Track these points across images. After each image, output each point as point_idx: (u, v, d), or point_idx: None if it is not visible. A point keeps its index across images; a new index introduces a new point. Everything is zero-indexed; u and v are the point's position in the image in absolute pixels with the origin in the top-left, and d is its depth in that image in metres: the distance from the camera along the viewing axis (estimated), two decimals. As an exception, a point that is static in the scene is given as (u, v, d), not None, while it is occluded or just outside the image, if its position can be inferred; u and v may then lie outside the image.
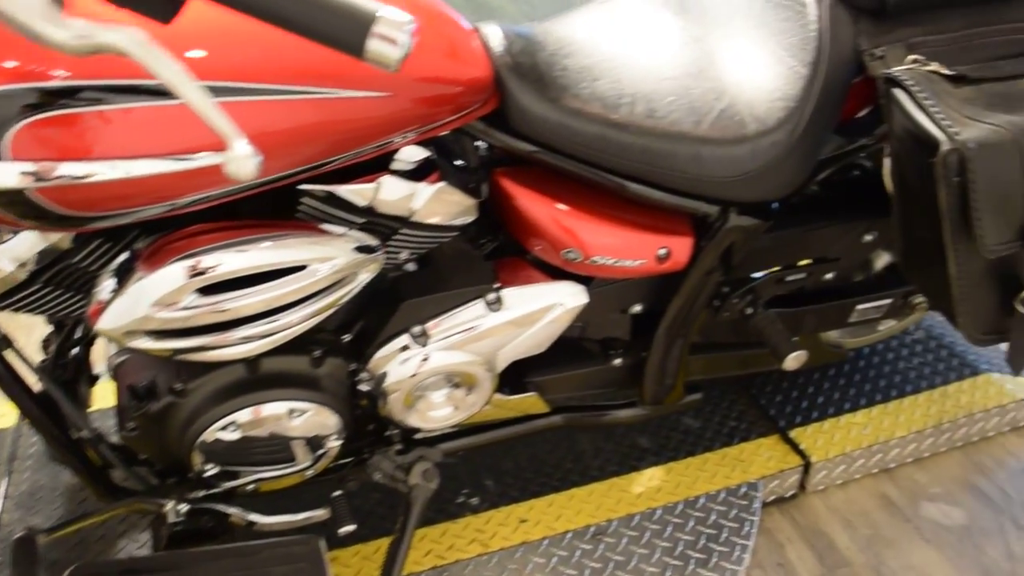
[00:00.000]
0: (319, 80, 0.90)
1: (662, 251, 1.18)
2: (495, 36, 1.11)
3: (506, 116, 1.09)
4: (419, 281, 1.19)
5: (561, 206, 1.15)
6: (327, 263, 1.00)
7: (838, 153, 1.21)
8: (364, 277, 1.07)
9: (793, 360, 1.28)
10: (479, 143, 1.17)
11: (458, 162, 1.14)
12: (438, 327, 1.18)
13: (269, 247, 0.98)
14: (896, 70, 1.08)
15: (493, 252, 1.27)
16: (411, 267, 1.19)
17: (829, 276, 1.38)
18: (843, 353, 1.65)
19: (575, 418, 1.40)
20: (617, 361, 1.35)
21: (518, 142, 1.11)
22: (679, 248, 1.19)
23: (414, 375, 1.18)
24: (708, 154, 1.10)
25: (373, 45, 0.64)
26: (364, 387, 1.21)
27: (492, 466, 1.54)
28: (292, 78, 0.89)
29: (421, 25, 1.00)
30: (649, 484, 1.52)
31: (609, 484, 1.52)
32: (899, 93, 1.06)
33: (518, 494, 1.50)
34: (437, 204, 1.07)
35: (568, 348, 1.34)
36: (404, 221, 1.07)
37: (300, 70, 0.89)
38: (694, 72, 1.14)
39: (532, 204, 1.15)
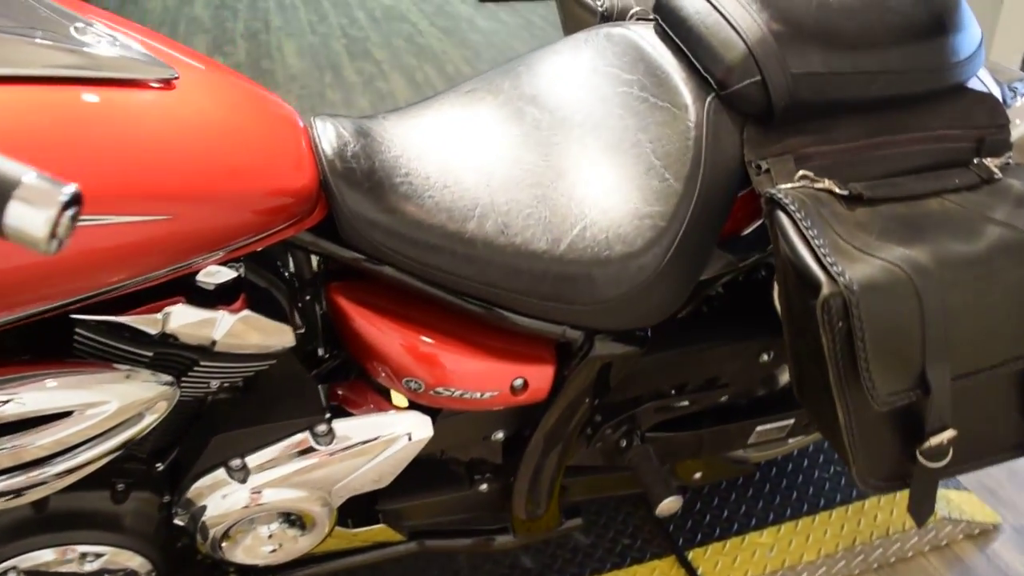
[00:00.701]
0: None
1: (517, 381, 1.03)
2: (328, 135, 0.96)
3: (337, 227, 0.95)
4: (239, 409, 1.03)
5: (401, 329, 1.00)
6: (98, 408, 0.85)
7: (725, 272, 1.07)
8: (157, 414, 0.91)
9: (668, 506, 1.14)
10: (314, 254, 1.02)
11: (274, 280, 0.99)
12: (259, 460, 1.03)
13: (25, 392, 0.82)
14: (782, 188, 0.95)
15: (338, 372, 1.11)
16: (234, 392, 1.04)
17: (723, 399, 1.24)
18: (749, 468, 1.51)
19: (437, 545, 1.25)
20: (483, 487, 1.20)
21: (352, 255, 0.97)
22: (538, 378, 1.04)
23: (234, 511, 1.03)
24: (564, 278, 0.95)
25: (13, 219, 0.49)
26: (179, 522, 1.05)
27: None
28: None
29: (226, 126, 0.86)
30: (527, 613, 1.37)
31: (483, 612, 1.37)
32: (782, 218, 0.92)
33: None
34: (242, 333, 0.92)
35: (428, 471, 1.19)
36: (205, 351, 0.92)
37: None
38: (556, 182, 0.99)
39: (369, 325, 1.00)
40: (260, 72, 3.78)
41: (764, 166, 0.97)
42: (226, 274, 0.91)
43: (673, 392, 1.19)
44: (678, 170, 0.97)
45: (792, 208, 0.91)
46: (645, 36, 1.07)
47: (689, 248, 0.97)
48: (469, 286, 0.96)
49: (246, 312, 0.91)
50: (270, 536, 1.08)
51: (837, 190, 0.95)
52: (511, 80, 1.10)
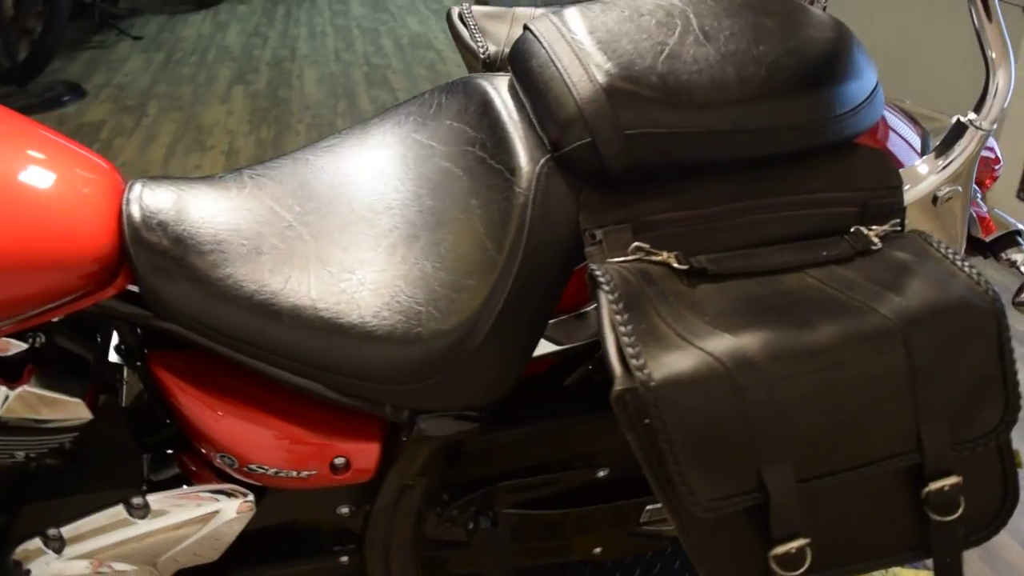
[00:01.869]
0: None
1: (339, 460, 0.97)
2: (139, 200, 0.91)
3: (143, 295, 0.90)
4: (60, 478, 0.99)
5: (214, 402, 0.95)
6: None
7: (565, 348, 0.98)
8: None
9: None
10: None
11: (82, 350, 0.95)
12: (74, 532, 0.99)
13: None
14: (608, 263, 0.84)
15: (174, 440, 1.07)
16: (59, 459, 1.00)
17: (602, 476, 1.14)
18: (662, 543, 1.40)
19: None
20: (344, 559, 1.14)
21: (164, 324, 0.92)
22: (361, 457, 0.97)
23: None
24: (373, 356, 0.89)
25: None
26: None
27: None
28: None
29: (11, 193, 0.82)
30: None
31: None
32: (600, 297, 0.81)
33: None
34: (22, 408, 0.88)
35: (289, 540, 1.13)
36: None
37: None
38: (380, 252, 0.93)
39: (183, 396, 0.95)
40: (277, 100, 3.82)
41: (598, 236, 0.86)
42: (12, 347, 0.87)
43: (534, 471, 1.10)
44: (500, 240, 0.87)
45: (606, 287, 0.80)
46: (499, 89, 0.99)
47: (512, 326, 0.88)
48: (278, 360, 0.91)
49: (23, 388, 0.87)
50: None
51: (675, 264, 0.84)
52: (358, 138, 1.04)
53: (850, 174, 0.90)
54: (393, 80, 4.07)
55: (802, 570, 0.84)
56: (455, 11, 1.19)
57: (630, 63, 0.86)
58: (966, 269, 0.84)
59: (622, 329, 0.78)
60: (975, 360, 0.82)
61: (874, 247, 0.87)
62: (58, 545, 0.98)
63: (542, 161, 0.88)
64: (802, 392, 0.77)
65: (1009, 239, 1.13)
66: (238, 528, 1.01)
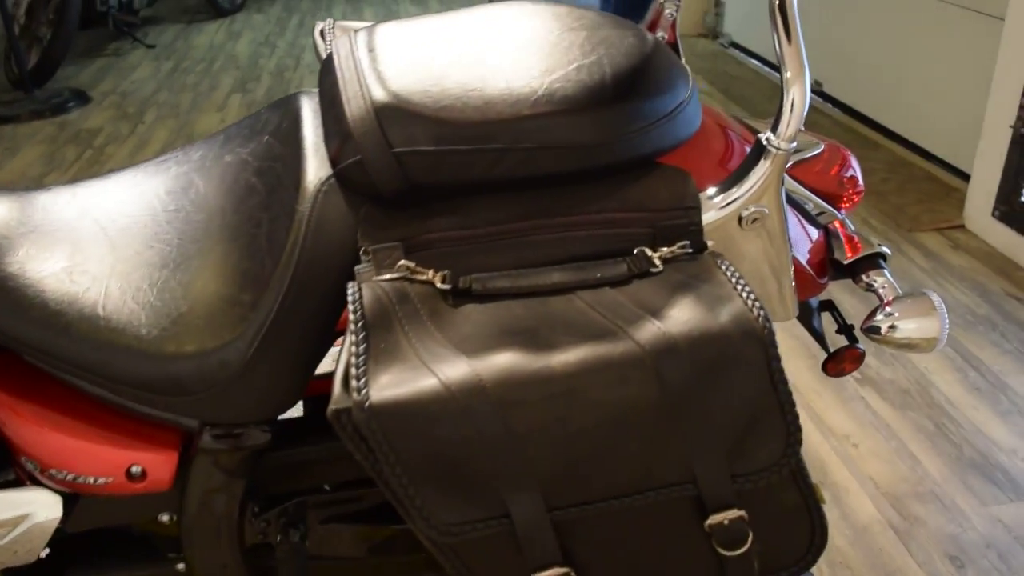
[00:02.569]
0: None
1: (135, 469, 0.97)
2: None
3: None
4: None
5: (17, 404, 0.96)
6: None
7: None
8: None
9: None
10: None
11: None
12: None
13: None
14: (374, 281, 0.82)
15: None
16: None
17: None
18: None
19: None
20: (180, 566, 1.14)
21: None
22: (157, 466, 0.98)
23: None
24: (152, 369, 0.89)
25: None
26: None
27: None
28: None
29: None
30: None
31: None
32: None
33: None
34: None
35: (129, 546, 1.15)
36: None
37: None
38: (179, 267, 0.93)
39: (-11, 399, 0.97)
40: (271, 109, 3.87)
41: (377, 249, 0.85)
42: None
43: (348, 485, 1.09)
44: (277, 255, 0.88)
45: (350, 305, 0.80)
46: (311, 103, 0.99)
47: (283, 341, 0.88)
48: (70, 369, 0.92)
49: None
50: None
51: (439, 284, 0.83)
52: (186, 153, 1.05)
53: (642, 194, 0.88)
54: (388, 90, 4.10)
55: None
56: (318, 26, 1.19)
57: (409, 80, 0.85)
58: (743, 294, 0.81)
59: (353, 349, 0.77)
60: (744, 390, 0.80)
61: (654, 269, 0.85)
62: None
63: (324, 178, 0.88)
64: (537, 419, 0.76)
65: (871, 261, 1.10)
66: (49, 530, 1.02)
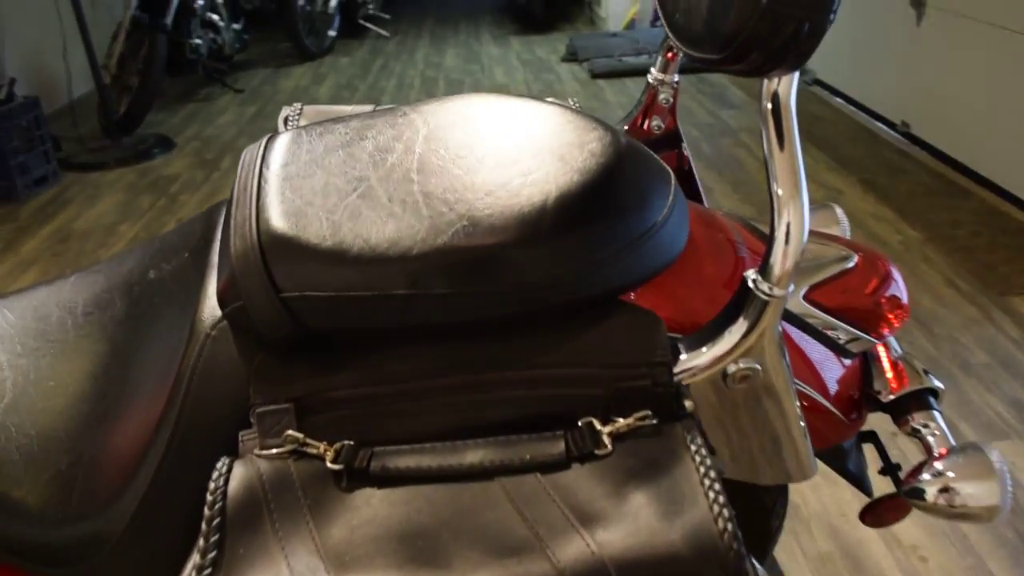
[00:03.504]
0: None
1: None
2: None
3: None
4: None
5: None
6: None
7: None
8: None
9: None
10: None
11: None
12: None
13: None
14: (255, 455, 0.69)
15: None
16: None
17: None
18: None
19: None
20: None
21: None
22: None
23: None
24: (23, 534, 0.80)
25: None
26: None
27: None
28: None
29: None
30: None
31: None
32: None
33: None
34: None
35: None
36: None
37: None
38: (64, 406, 0.83)
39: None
40: (342, 155, 3.90)
41: (262, 412, 0.70)
42: None
43: None
44: (154, 409, 0.76)
45: (211, 496, 0.66)
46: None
47: (159, 518, 0.76)
48: None
49: None
50: None
51: (330, 463, 0.67)
52: (119, 261, 0.97)
53: (595, 345, 0.70)
54: (459, 134, 4.08)
55: None
56: (284, 112, 1.13)
57: (304, 209, 0.71)
58: (710, 494, 0.63)
59: (197, 559, 0.64)
60: None
61: (600, 451, 0.67)
62: None
63: (217, 320, 0.76)
64: None
65: (919, 399, 0.92)
66: None
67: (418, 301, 0.68)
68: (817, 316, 0.86)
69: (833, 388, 0.86)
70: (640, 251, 0.71)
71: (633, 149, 0.76)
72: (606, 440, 0.66)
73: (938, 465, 0.84)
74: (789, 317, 0.84)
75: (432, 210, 0.70)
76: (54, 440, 0.80)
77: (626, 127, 0.98)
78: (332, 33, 5.89)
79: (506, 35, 6.17)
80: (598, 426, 0.67)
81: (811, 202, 0.76)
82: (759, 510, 1.18)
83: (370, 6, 6.36)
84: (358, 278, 0.68)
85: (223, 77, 5.15)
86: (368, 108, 1.13)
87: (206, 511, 0.66)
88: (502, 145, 0.76)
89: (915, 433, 0.90)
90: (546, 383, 0.70)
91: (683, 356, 0.74)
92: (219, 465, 0.68)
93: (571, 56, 5.25)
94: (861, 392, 0.92)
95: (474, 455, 0.68)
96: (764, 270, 0.71)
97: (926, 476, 0.85)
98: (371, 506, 0.67)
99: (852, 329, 0.88)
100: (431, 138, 0.78)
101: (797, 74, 0.64)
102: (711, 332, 0.75)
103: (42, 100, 3.84)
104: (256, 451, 0.69)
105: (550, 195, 0.69)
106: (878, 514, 0.95)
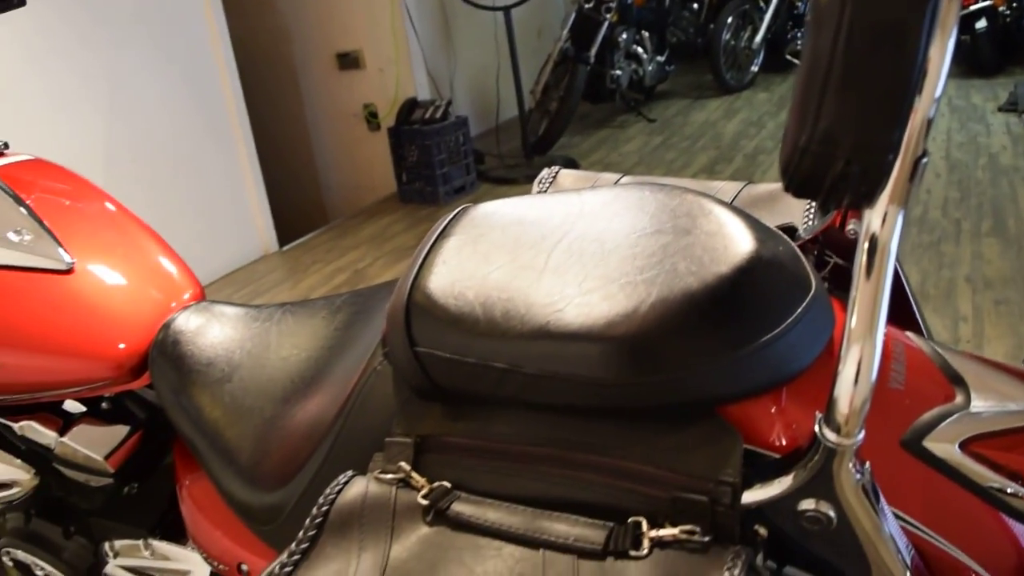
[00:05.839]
0: None
1: (243, 567, 1.09)
2: (181, 318, 1.15)
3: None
4: None
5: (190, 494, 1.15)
6: None
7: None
8: None
9: None
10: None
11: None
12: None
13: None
14: (371, 476, 0.80)
15: None
16: None
17: None
18: None
19: None
20: None
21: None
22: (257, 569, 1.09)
23: None
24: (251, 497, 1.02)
25: None
26: None
27: None
28: None
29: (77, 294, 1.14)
30: None
31: None
32: None
33: None
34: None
35: None
36: None
37: None
38: (277, 404, 1.05)
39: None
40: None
41: (391, 442, 0.82)
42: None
43: None
44: (334, 412, 0.93)
45: (323, 497, 0.79)
46: None
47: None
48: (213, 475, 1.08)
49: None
50: None
51: (420, 499, 0.76)
52: (324, 306, 1.14)
53: (671, 450, 0.71)
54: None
55: None
56: (542, 173, 1.20)
57: (448, 277, 0.80)
58: None
59: (293, 545, 0.77)
60: None
61: (634, 553, 0.68)
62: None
63: (380, 356, 0.89)
64: None
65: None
66: None
67: (510, 376, 0.74)
68: (976, 471, 0.71)
69: (989, 551, 0.71)
70: (743, 365, 0.69)
71: (778, 257, 0.72)
72: (645, 543, 0.68)
73: None
74: (934, 461, 0.71)
75: (543, 296, 0.74)
76: (258, 413, 1.01)
77: (821, 226, 0.87)
78: (754, 69, 5.83)
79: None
80: (644, 528, 0.69)
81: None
82: None
83: (798, 42, 6.17)
84: (468, 346, 0.76)
85: (639, 106, 5.39)
86: (617, 177, 1.14)
87: (313, 510, 0.78)
88: (636, 237, 0.77)
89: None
90: (617, 473, 0.73)
91: (758, 484, 0.68)
92: (340, 478, 0.80)
93: (1010, 106, 4.56)
94: None
95: (531, 522, 0.73)
96: (828, 414, 0.64)
97: None
98: (435, 548, 0.74)
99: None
100: (579, 226, 0.82)
101: (902, 212, 0.56)
102: (777, 468, 0.69)
103: (475, 120, 4.37)
104: (377, 473, 0.81)
105: (650, 296, 0.70)
106: None
